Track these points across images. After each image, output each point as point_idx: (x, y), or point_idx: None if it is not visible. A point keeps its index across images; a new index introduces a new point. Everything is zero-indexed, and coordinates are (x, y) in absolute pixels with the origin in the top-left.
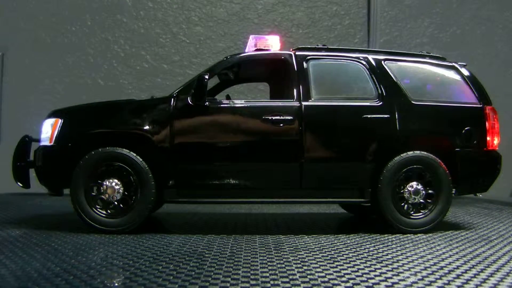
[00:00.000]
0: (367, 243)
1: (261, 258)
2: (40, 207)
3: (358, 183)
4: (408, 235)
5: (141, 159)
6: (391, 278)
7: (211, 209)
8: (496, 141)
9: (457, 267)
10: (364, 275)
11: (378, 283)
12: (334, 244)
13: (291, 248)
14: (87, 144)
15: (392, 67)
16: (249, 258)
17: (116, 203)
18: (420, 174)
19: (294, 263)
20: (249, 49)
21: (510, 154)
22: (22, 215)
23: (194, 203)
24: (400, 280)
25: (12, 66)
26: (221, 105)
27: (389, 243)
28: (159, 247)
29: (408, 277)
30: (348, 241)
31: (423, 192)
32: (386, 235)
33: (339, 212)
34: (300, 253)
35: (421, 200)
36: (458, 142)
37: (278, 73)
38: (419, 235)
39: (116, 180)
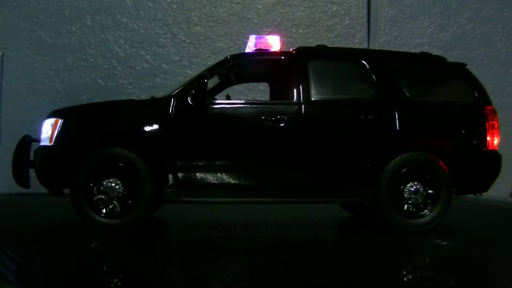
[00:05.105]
0: (367, 243)
1: (260, 257)
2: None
3: (358, 183)
4: (408, 235)
5: (140, 159)
6: (391, 278)
7: (211, 208)
8: (496, 141)
9: (457, 267)
10: (364, 275)
11: (377, 282)
12: (334, 244)
13: (291, 248)
14: (87, 144)
15: (392, 67)
16: (247, 257)
17: (115, 203)
18: (420, 174)
19: (293, 263)
20: (249, 49)
21: (510, 154)
22: (21, 215)
23: (194, 203)
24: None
25: (12, 66)
26: (221, 105)
27: (389, 243)
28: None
29: None
30: (348, 241)
31: (423, 192)
32: (386, 235)
33: (339, 212)
34: (299, 252)
35: (421, 200)
36: (458, 142)
37: (278, 73)
38: (419, 235)
39: (116, 180)
